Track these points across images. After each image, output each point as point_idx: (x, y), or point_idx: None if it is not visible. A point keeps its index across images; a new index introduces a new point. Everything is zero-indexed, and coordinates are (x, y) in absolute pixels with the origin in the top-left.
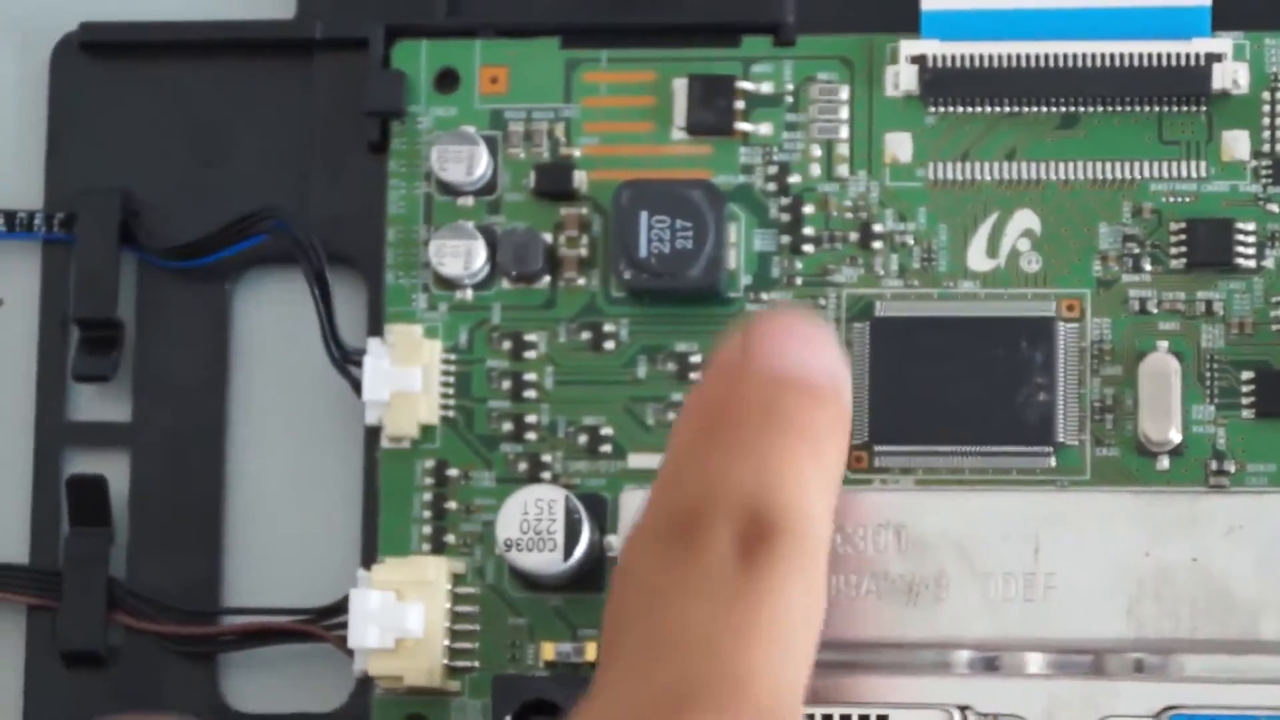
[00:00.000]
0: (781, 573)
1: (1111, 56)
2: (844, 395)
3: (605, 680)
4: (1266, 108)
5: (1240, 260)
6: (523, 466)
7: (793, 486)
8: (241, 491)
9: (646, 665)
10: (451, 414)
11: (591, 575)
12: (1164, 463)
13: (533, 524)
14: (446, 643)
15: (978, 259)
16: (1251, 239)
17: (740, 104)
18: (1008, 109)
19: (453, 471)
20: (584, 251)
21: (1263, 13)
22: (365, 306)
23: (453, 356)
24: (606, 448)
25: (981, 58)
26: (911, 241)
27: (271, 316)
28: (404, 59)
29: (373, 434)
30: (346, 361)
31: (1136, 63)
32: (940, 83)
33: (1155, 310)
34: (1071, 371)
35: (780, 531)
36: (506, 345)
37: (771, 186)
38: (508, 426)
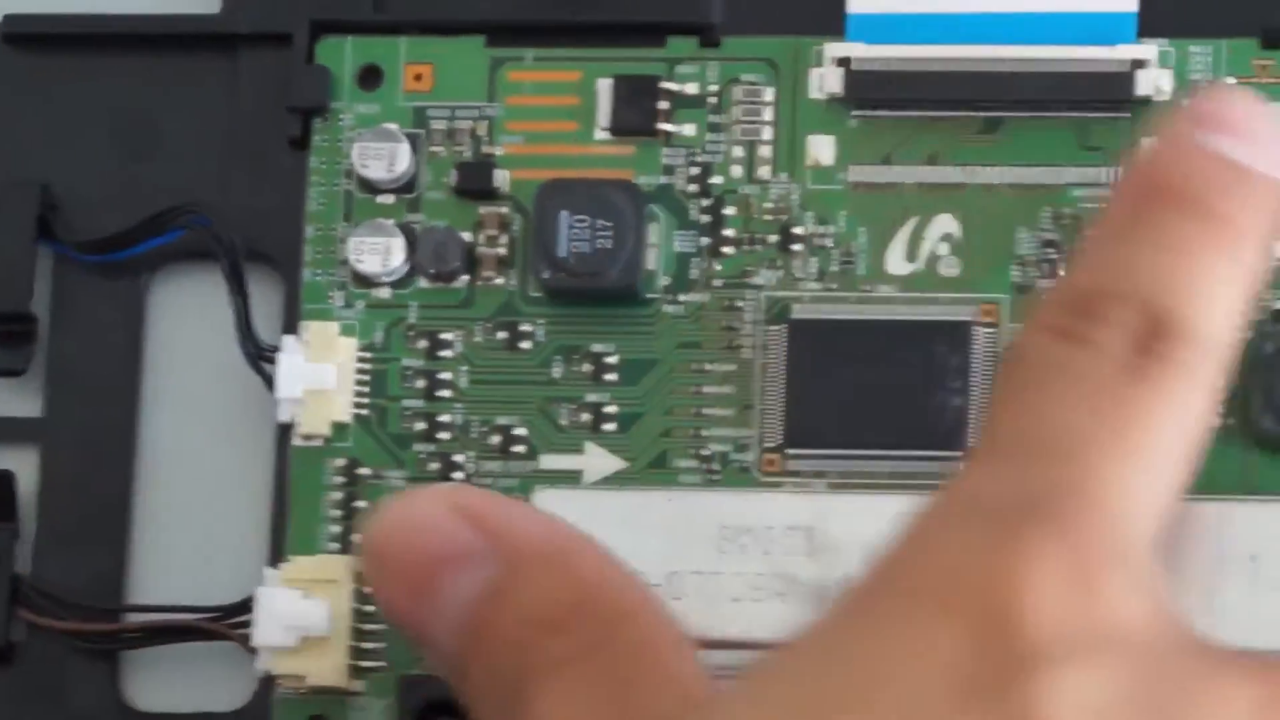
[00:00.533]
0: (1170, 382)
1: (1036, 62)
2: (1263, 222)
3: (968, 471)
4: None
5: None
6: (435, 466)
7: (1205, 290)
8: (151, 488)
9: (1005, 462)
10: (365, 412)
11: None
12: None
13: None
14: (352, 642)
15: (896, 263)
16: None
17: (664, 105)
18: (931, 113)
19: (364, 470)
20: (503, 251)
21: (1188, 20)
22: (282, 303)
23: (368, 355)
24: (520, 448)
25: (906, 61)
26: (831, 244)
27: (187, 312)
28: (328, 55)
29: (285, 431)
30: (261, 358)
31: (1060, 68)
32: (864, 86)
33: None
34: (987, 377)
35: (1180, 337)
36: (422, 344)
37: (693, 188)
38: (421, 426)
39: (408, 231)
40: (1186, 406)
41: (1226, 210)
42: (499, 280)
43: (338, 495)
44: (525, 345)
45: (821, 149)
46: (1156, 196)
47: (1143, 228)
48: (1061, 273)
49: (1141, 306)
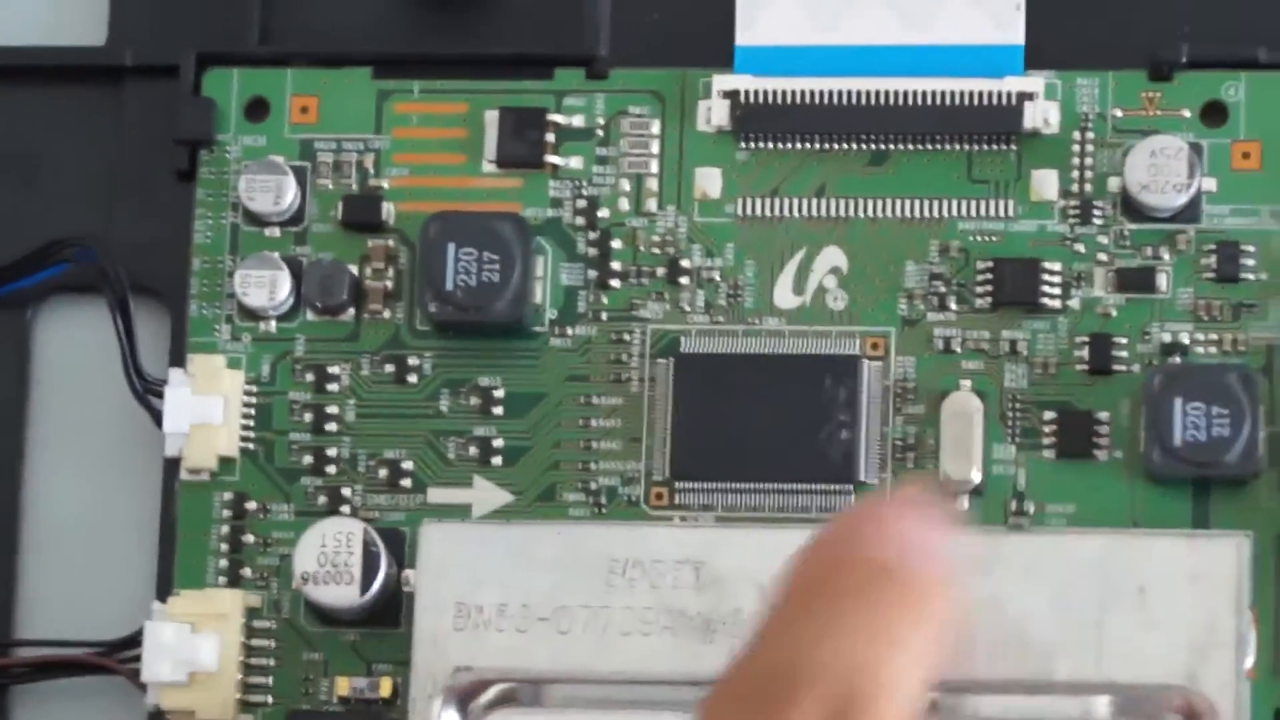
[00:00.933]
0: None
1: (923, 94)
2: (947, 587)
3: None
4: (1076, 148)
5: (1046, 300)
6: (322, 500)
7: (887, 675)
8: (38, 521)
9: None
10: (252, 446)
11: (387, 610)
12: (964, 502)
13: (330, 557)
14: (240, 677)
15: (784, 296)
16: (1057, 279)
17: (551, 137)
18: (819, 145)
19: (251, 504)
20: (390, 284)
21: (1075, 53)
22: (169, 336)
23: (254, 388)
24: (407, 482)
25: (794, 94)
26: (718, 277)
27: (73, 345)
28: (214, 87)
29: (172, 465)
30: (148, 392)
31: (948, 101)
32: (752, 118)
33: (959, 349)
34: (874, 410)
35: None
36: (309, 377)
37: (580, 220)
38: (308, 459)
39: (294, 264)
40: None
41: (901, 609)
42: (386, 313)
43: (225, 529)
44: (412, 379)
45: (709, 182)
46: (834, 591)
47: (824, 618)
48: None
49: (831, 690)
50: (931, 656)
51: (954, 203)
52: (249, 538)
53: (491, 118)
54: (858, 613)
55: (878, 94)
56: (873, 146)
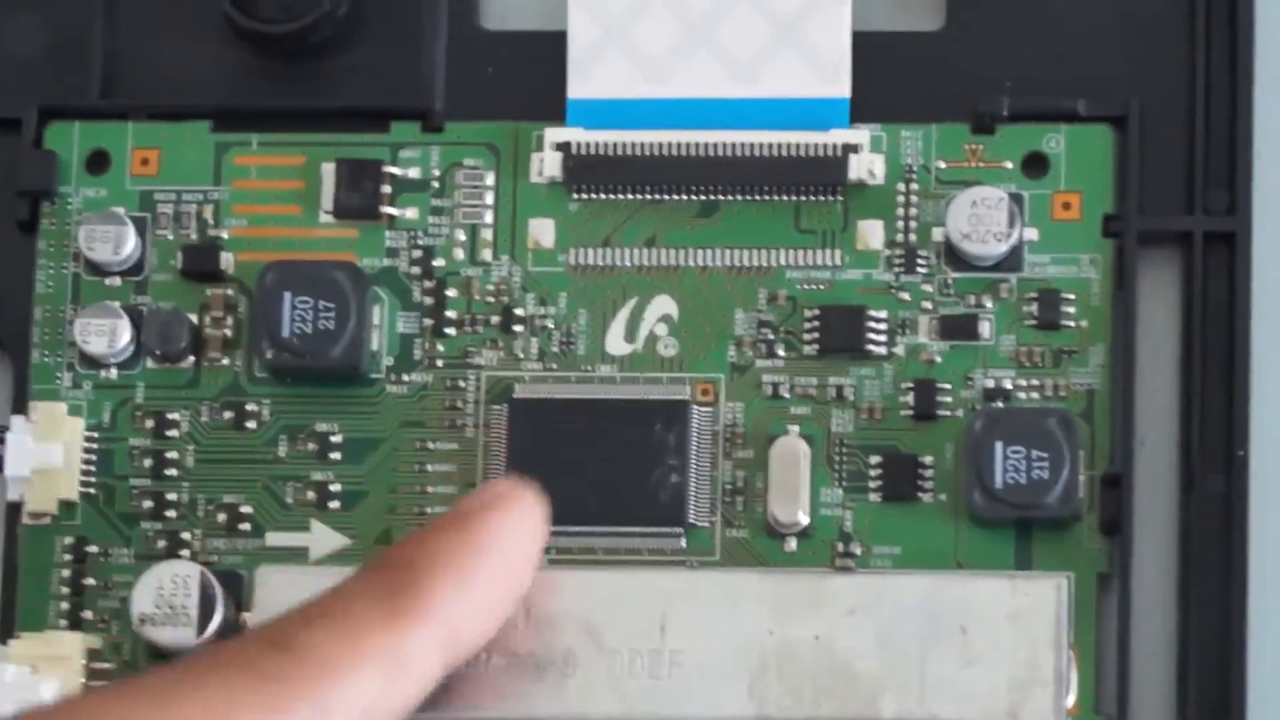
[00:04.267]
0: None
1: (751, 146)
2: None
3: None
4: (901, 198)
5: (871, 347)
6: (162, 543)
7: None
8: None
9: None
10: (93, 491)
11: None
12: (792, 544)
13: (167, 599)
14: None
15: (616, 343)
16: (883, 326)
17: (387, 188)
18: (649, 196)
19: (92, 548)
20: (229, 332)
21: (900, 106)
22: (11, 384)
23: (95, 434)
24: (246, 526)
25: (625, 146)
26: (552, 325)
27: None
28: (56, 140)
29: (14, 510)
30: None
31: (775, 152)
32: (583, 170)
33: (787, 395)
34: (704, 454)
35: None
36: (149, 424)
37: (416, 270)
38: (148, 504)
39: (134, 313)
40: None
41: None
42: (225, 360)
43: (66, 572)
44: (251, 425)
45: (542, 232)
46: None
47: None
48: None
49: None
50: None
51: (782, 252)
52: (90, 581)
53: (329, 169)
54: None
55: (707, 146)
56: (702, 197)
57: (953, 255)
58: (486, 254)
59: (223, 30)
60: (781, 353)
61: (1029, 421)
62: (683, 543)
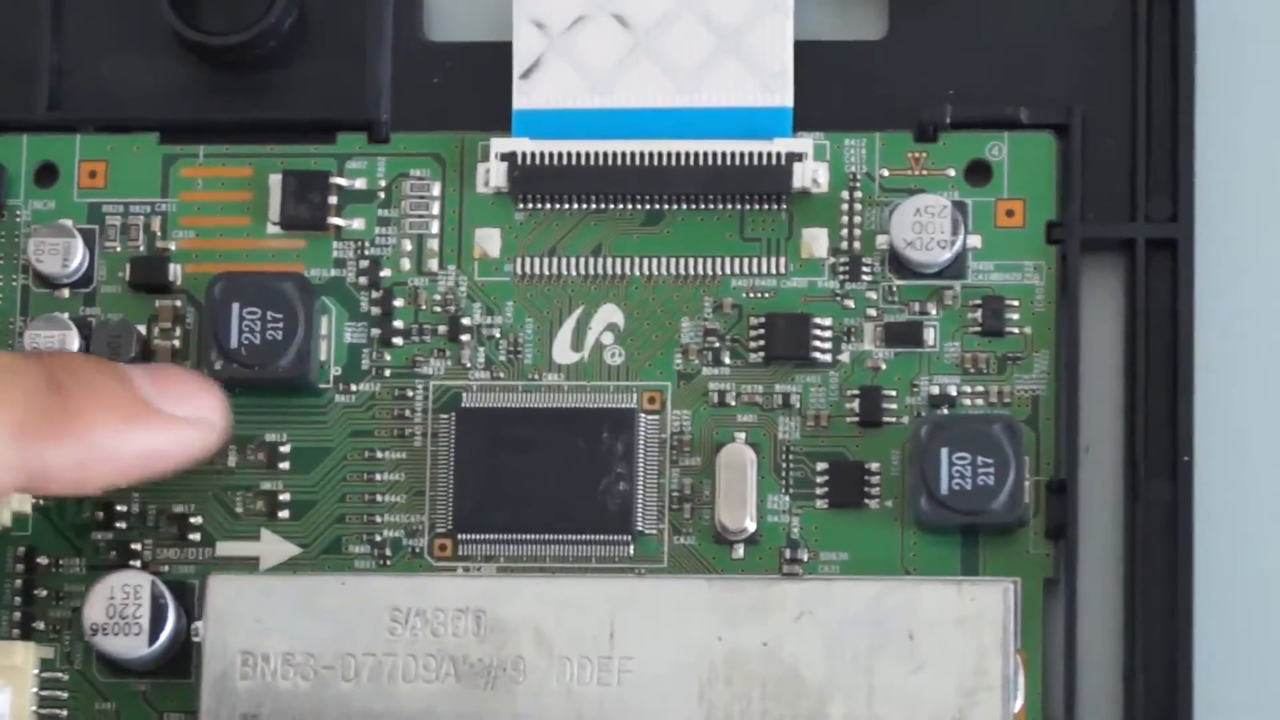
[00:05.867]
0: None
1: (696, 155)
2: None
3: None
4: (845, 206)
5: (817, 354)
6: (113, 554)
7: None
8: None
9: None
10: (43, 502)
11: (177, 661)
12: (739, 551)
13: (119, 609)
14: None
15: (563, 352)
16: (828, 334)
17: (334, 199)
18: (595, 205)
19: (43, 558)
20: (177, 343)
21: (842, 115)
22: None
23: None
24: (196, 536)
25: (570, 156)
26: (498, 334)
27: None
28: (4, 153)
29: None
30: None
31: (720, 161)
32: (529, 180)
33: (734, 403)
34: (651, 462)
35: None
36: None
37: (363, 280)
38: (99, 514)
39: (83, 325)
40: None
41: None
42: None
43: (18, 582)
44: None
45: (488, 242)
46: None
47: None
48: None
49: None
50: None
51: (727, 261)
52: (41, 591)
53: (275, 181)
54: None
55: (652, 155)
56: (647, 206)
57: (897, 262)
58: (433, 264)
59: (169, 43)
60: (728, 360)
61: (974, 428)
62: (631, 550)
